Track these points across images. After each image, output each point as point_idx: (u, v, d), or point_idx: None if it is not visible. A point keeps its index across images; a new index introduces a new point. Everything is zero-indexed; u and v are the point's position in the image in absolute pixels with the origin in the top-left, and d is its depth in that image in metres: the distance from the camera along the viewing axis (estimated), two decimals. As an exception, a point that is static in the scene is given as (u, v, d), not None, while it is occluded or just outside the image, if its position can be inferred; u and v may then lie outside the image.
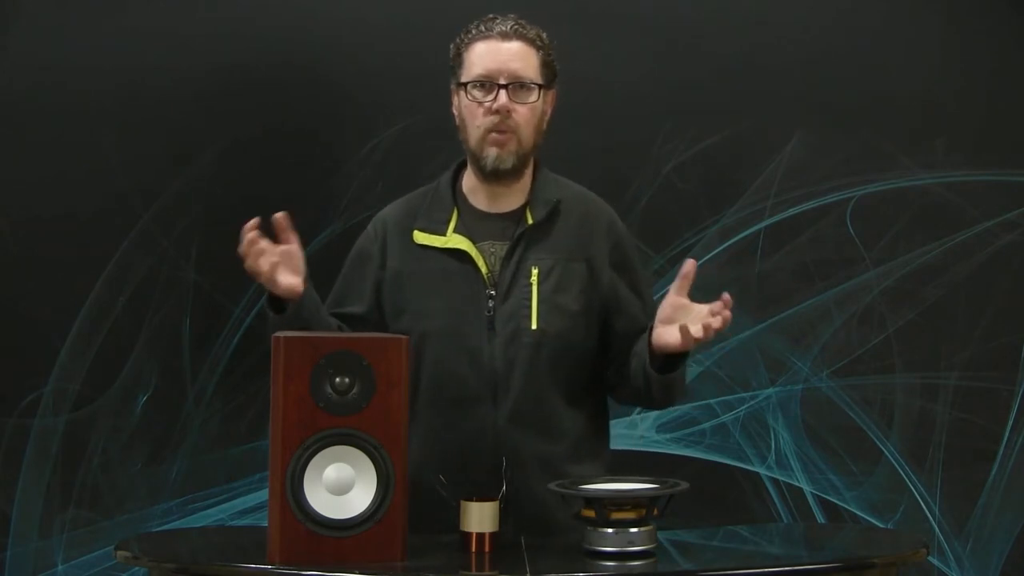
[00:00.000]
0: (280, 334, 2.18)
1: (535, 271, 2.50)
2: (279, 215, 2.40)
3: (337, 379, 2.14)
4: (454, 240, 2.52)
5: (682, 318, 2.33)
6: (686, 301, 2.36)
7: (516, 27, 2.51)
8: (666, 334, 2.36)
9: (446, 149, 3.20)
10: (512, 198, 2.56)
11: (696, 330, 2.29)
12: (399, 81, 3.33)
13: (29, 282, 3.27)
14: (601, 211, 2.61)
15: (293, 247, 2.41)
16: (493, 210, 2.56)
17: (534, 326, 2.47)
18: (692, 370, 3.22)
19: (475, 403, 2.47)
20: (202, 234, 3.30)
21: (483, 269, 2.50)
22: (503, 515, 2.34)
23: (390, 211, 2.63)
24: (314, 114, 3.33)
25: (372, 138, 3.34)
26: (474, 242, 2.51)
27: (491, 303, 2.49)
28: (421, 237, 2.54)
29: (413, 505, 2.20)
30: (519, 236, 2.51)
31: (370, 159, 3.33)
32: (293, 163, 3.31)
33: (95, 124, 3.28)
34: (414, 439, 2.49)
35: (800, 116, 3.37)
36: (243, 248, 2.39)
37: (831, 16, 3.40)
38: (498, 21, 2.52)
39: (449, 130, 3.17)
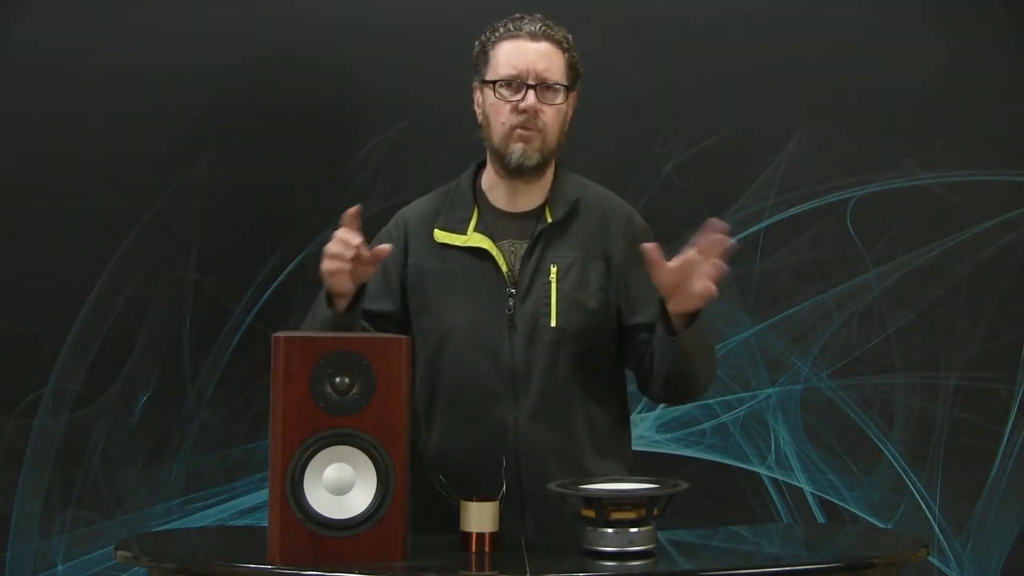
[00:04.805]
0: (280, 334, 2.18)
1: (554, 269, 2.50)
2: (352, 211, 2.34)
3: (337, 379, 2.14)
4: (475, 239, 2.52)
5: (690, 279, 2.30)
6: (697, 258, 2.31)
7: (544, 28, 2.52)
8: (677, 302, 2.34)
9: (446, 149, 3.22)
10: (532, 197, 2.57)
11: (702, 286, 2.28)
12: (399, 81, 3.33)
13: (29, 282, 3.27)
14: (619, 209, 2.61)
15: (369, 257, 2.35)
16: (512, 209, 2.57)
17: (553, 324, 2.48)
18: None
19: (495, 401, 2.47)
20: (202, 234, 3.30)
21: (503, 268, 2.51)
22: (521, 514, 2.34)
23: (410, 209, 2.63)
24: (314, 114, 3.33)
25: (372, 138, 3.34)
26: (494, 241, 2.52)
27: (511, 301, 2.49)
28: (442, 236, 2.54)
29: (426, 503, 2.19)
30: (539, 234, 2.52)
31: (370, 159, 3.33)
32: (293, 163, 3.31)
33: (95, 124, 3.28)
34: (434, 437, 2.51)
35: (800, 116, 3.37)
36: (341, 250, 2.32)
37: (831, 16, 3.40)
38: (526, 21, 2.52)
39: (449, 130, 3.19)
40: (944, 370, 3.36)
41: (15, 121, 3.29)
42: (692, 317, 2.38)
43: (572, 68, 2.54)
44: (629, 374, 2.63)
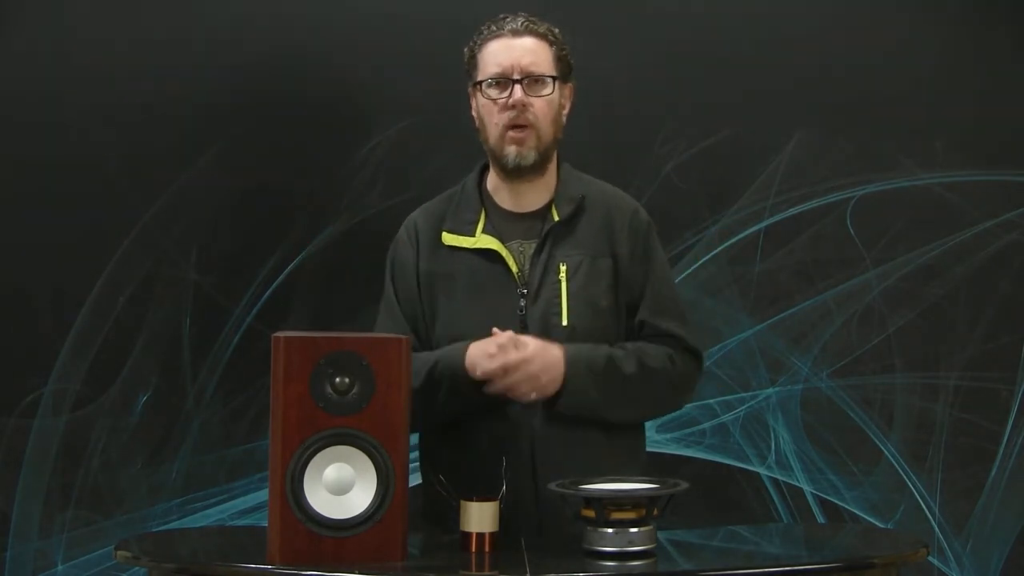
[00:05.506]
0: (280, 334, 2.18)
1: (563, 268, 2.50)
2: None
3: (337, 379, 2.14)
4: (483, 240, 2.52)
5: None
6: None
7: (527, 23, 2.53)
8: None
9: (446, 149, 3.22)
10: (537, 196, 2.57)
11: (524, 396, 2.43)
12: (399, 81, 3.33)
13: (29, 282, 3.27)
14: (624, 205, 2.61)
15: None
16: (519, 209, 2.57)
17: (565, 323, 2.48)
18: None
19: (510, 402, 2.46)
20: (202, 234, 3.30)
21: (513, 268, 2.51)
22: (536, 514, 2.35)
23: (419, 214, 2.63)
24: (314, 114, 3.33)
25: (372, 138, 3.34)
26: (503, 242, 2.53)
27: (523, 302, 2.50)
28: (450, 239, 2.55)
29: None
30: (546, 234, 2.52)
31: (370, 159, 3.33)
32: (293, 163, 3.31)
33: (95, 124, 3.28)
34: (449, 438, 2.51)
35: (800, 116, 3.37)
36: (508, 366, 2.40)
37: (831, 16, 3.40)
38: (508, 20, 2.54)
39: (449, 130, 3.19)
40: (944, 370, 3.36)
41: (15, 121, 3.29)
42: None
43: (561, 60, 2.55)
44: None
